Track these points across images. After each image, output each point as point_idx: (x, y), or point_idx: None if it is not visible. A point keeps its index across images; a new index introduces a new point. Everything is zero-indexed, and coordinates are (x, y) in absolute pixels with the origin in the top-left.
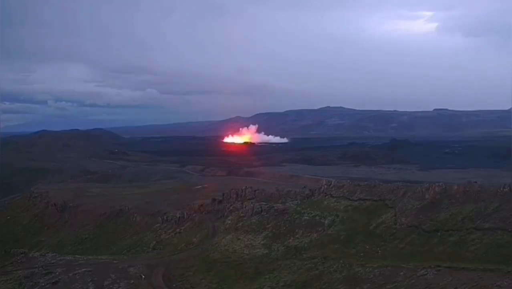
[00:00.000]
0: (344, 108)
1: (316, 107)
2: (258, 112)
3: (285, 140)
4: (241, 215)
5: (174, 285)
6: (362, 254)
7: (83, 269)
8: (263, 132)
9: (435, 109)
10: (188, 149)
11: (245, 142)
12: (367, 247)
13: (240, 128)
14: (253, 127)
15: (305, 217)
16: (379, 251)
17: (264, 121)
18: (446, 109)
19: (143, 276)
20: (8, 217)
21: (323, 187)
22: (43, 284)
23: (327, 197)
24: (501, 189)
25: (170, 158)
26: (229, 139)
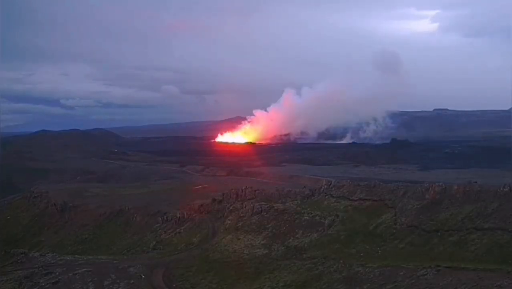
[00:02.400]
0: None
1: None
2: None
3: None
4: (241, 215)
5: (174, 285)
6: (362, 254)
7: (83, 269)
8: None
9: (435, 109)
10: (188, 149)
11: (248, 142)
12: (367, 247)
13: (242, 126)
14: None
15: (305, 217)
16: (379, 251)
17: None
18: (446, 109)
19: (143, 276)
20: (8, 217)
21: (323, 187)
22: (43, 284)
23: (327, 197)
24: (501, 189)
25: (170, 158)
26: (224, 138)
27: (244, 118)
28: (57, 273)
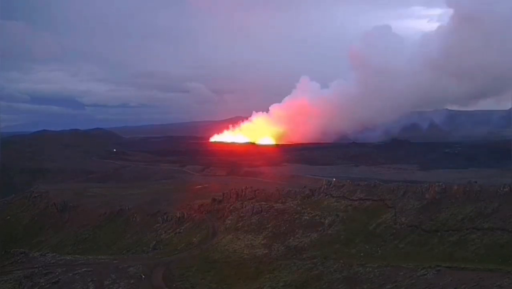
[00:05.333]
0: None
1: None
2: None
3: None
4: (241, 215)
5: (174, 285)
6: (362, 254)
7: (83, 269)
8: None
9: (435, 110)
10: (188, 149)
11: (251, 143)
12: (367, 247)
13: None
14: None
15: (305, 217)
16: (379, 251)
17: None
18: (446, 109)
19: (143, 276)
20: (8, 217)
21: (323, 187)
22: (43, 284)
23: (327, 197)
24: (501, 189)
25: (170, 158)
26: (223, 138)
27: (244, 118)
28: (57, 273)
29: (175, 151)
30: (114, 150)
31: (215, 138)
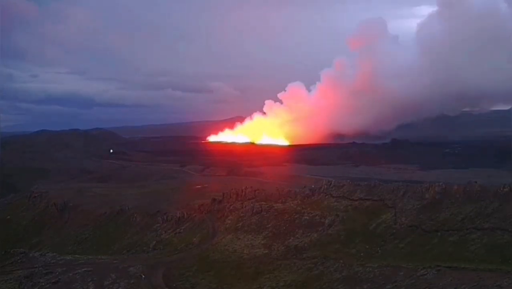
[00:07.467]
0: None
1: None
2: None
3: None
4: (241, 214)
5: (174, 285)
6: (362, 254)
7: (83, 269)
8: None
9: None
10: (188, 149)
11: (251, 143)
12: (367, 247)
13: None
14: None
15: (305, 217)
16: (379, 251)
17: None
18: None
19: (143, 276)
20: (8, 217)
21: (323, 187)
22: (43, 284)
23: (327, 196)
24: (501, 189)
25: (170, 158)
26: (223, 138)
27: (244, 118)
28: (57, 273)
29: (175, 151)
30: (111, 151)
31: (215, 138)
